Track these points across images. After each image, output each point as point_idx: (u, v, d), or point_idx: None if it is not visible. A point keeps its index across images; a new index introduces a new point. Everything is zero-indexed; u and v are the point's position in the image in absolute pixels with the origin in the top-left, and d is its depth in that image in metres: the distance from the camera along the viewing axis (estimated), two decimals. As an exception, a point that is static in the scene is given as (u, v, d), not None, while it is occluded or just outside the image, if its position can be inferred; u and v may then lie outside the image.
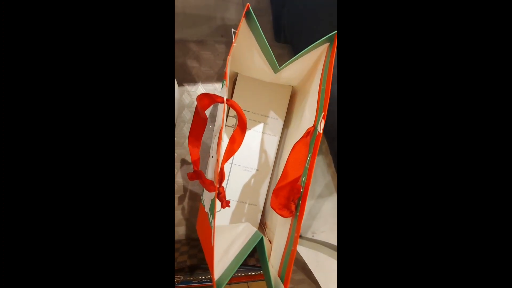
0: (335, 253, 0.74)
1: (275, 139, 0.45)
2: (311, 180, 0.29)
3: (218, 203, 0.29)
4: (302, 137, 0.29)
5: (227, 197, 0.45)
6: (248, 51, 0.34)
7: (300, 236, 0.93)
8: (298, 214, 0.29)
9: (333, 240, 0.89)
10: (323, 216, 0.95)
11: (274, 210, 0.31)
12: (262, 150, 0.44)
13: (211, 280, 0.44)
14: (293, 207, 0.30)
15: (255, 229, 0.31)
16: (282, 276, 0.30)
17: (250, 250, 0.29)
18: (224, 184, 0.45)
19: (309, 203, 0.95)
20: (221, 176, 0.28)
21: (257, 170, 0.45)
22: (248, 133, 0.44)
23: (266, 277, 0.31)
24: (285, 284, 0.29)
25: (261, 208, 0.46)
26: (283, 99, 0.44)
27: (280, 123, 0.44)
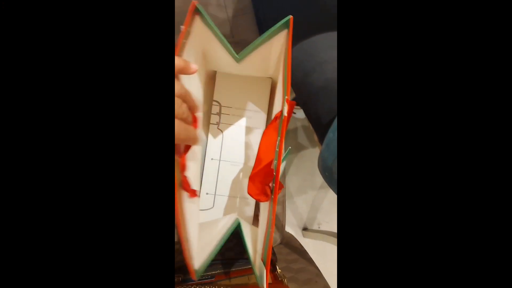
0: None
1: (259, 132, 0.45)
2: (283, 163, 0.30)
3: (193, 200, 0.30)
4: (271, 121, 0.30)
5: (219, 193, 0.46)
6: (210, 46, 0.35)
7: (306, 229, 0.94)
8: (273, 197, 0.30)
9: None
10: (326, 207, 0.95)
11: (252, 196, 0.32)
12: (248, 144, 0.45)
13: (211, 276, 0.45)
14: (268, 191, 0.31)
15: (236, 217, 0.32)
16: (264, 259, 0.30)
17: (229, 234, 0.30)
18: (214, 180, 0.46)
19: (311, 194, 0.95)
20: (182, 164, 0.29)
21: (245, 164, 0.46)
22: (233, 128, 0.45)
23: (249, 260, 0.32)
24: (266, 267, 0.29)
25: (254, 200, 0.47)
26: (264, 92, 0.45)
27: (263, 116, 0.45)
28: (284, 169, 0.52)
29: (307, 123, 0.80)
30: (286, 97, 0.28)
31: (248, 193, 0.32)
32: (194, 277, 0.30)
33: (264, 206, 0.35)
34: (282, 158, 0.43)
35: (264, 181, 0.31)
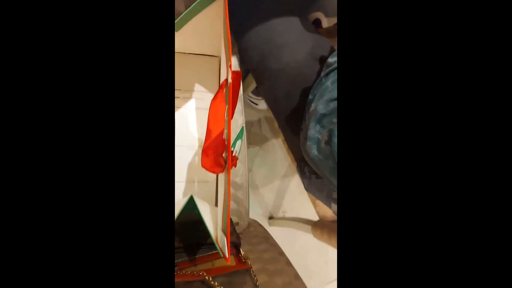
0: (306, 226, 0.76)
1: (212, 113, 0.45)
2: (239, 141, 0.30)
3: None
4: (218, 92, 0.30)
5: (177, 180, 0.45)
6: None
7: (272, 217, 0.95)
8: (227, 166, 0.30)
9: (302, 215, 0.92)
10: (290, 195, 0.97)
11: (206, 169, 0.31)
12: (200, 126, 0.45)
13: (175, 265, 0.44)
14: (222, 161, 0.30)
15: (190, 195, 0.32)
16: (224, 228, 0.30)
17: (181, 210, 0.29)
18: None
19: (276, 184, 0.97)
20: None
21: (200, 147, 0.45)
22: (184, 112, 0.44)
23: (208, 234, 0.31)
24: (226, 235, 0.29)
25: (214, 183, 0.46)
26: (212, 72, 0.44)
27: (213, 96, 0.45)
28: (241, 148, 0.52)
29: (269, 114, 0.81)
30: (229, 62, 0.28)
31: (202, 166, 0.32)
32: None
33: (221, 182, 0.35)
34: (236, 134, 0.43)
35: (217, 152, 0.30)
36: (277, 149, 0.95)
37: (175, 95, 0.44)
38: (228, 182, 0.29)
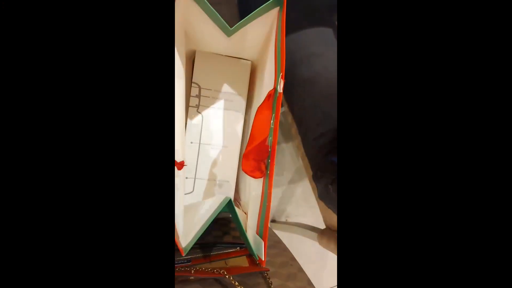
0: (312, 233, 0.76)
1: (239, 115, 0.46)
2: (277, 142, 0.31)
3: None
4: (264, 100, 0.31)
5: (198, 177, 0.46)
6: (195, 20, 0.34)
7: (274, 221, 0.95)
8: (268, 172, 0.30)
9: (306, 222, 0.92)
10: (295, 201, 0.98)
11: (246, 173, 0.32)
12: (227, 127, 0.45)
13: (187, 260, 0.45)
14: (263, 167, 0.31)
15: (224, 197, 0.32)
16: (260, 232, 0.31)
17: (218, 212, 0.30)
18: (194, 164, 0.45)
19: (281, 189, 0.97)
20: None
21: (225, 147, 0.46)
22: (210, 111, 0.45)
23: (242, 236, 0.32)
24: (264, 239, 0.30)
25: (234, 183, 0.47)
26: (243, 75, 0.45)
27: (242, 99, 0.46)
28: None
29: (282, 118, 0.82)
30: (282, 73, 0.29)
31: (243, 170, 0.32)
32: (183, 253, 0.30)
33: (255, 185, 0.35)
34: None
35: (258, 157, 0.31)
36: (286, 154, 0.96)
37: (205, 95, 0.45)
38: (269, 188, 0.30)
